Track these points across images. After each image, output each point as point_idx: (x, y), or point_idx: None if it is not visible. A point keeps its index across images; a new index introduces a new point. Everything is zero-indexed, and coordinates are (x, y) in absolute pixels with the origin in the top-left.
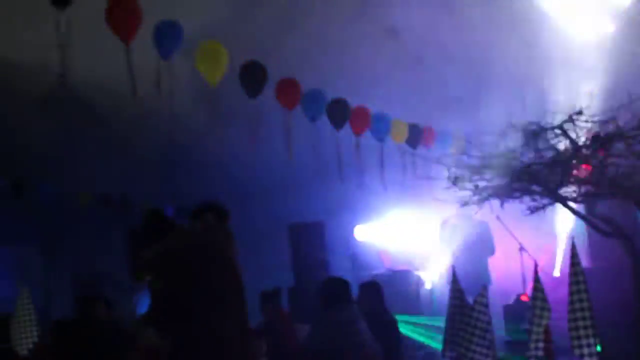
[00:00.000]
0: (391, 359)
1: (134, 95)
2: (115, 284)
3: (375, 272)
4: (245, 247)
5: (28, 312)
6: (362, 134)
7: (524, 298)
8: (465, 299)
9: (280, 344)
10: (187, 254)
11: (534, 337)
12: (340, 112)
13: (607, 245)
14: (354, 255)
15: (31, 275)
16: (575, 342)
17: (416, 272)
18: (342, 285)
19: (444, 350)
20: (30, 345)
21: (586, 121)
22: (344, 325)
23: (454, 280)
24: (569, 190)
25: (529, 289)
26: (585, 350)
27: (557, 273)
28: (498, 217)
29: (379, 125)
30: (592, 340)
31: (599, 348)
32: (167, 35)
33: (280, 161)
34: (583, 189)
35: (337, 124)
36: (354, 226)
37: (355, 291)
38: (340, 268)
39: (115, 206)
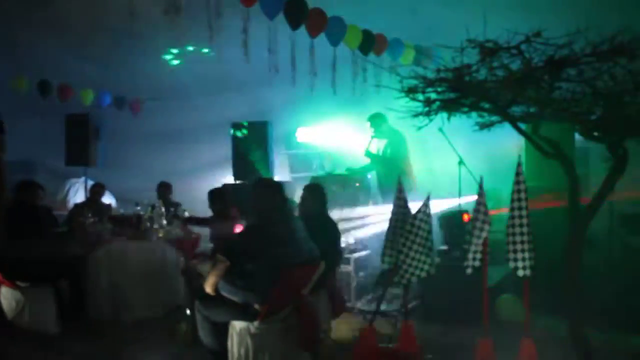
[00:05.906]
0: (328, 259)
1: None
2: (48, 171)
3: (314, 174)
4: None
5: None
6: (316, 37)
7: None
8: (408, 207)
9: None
10: None
11: (473, 248)
12: (298, 12)
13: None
14: (294, 156)
15: None
16: (511, 255)
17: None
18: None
19: (383, 255)
20: None
21: (542, 43)
22: (275, 225)
23: (399, 189)
24: (518, 110)
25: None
26: (520, 264)
27: None
28: (440, 130)
29: (335, 29)
30: (527, 255)
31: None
32: None
33: (231, 60)
34: (531, 110)
35: (294, 23)
36: (297, 127)
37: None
38: (281, 168)
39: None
